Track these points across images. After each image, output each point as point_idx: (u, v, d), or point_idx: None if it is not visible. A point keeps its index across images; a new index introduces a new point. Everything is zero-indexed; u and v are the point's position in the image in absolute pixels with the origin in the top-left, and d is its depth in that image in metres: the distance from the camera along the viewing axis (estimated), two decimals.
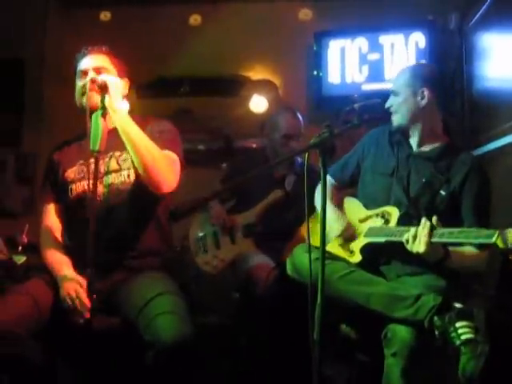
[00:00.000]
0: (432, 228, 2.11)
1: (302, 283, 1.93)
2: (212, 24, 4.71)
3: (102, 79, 2.26)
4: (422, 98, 2.45)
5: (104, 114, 2.21)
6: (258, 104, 4.42)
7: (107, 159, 2.46)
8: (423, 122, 2.49)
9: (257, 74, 4.68)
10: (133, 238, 2.45)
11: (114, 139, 2.42)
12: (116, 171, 2.45)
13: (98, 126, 2.14)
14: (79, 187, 2.47)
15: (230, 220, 3.50)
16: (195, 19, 4.80)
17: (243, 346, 3.25)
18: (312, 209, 2.58)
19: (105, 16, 4.93)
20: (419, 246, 2.12)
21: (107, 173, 2.45)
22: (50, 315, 2.27)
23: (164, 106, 4.12)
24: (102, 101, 2.22)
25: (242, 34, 4.62)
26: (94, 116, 2.18)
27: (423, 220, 2.14)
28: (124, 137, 2.30)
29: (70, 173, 2.50)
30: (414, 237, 2.14)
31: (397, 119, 2.51)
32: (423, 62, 4.09)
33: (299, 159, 3.56)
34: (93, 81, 2.27)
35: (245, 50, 4.65)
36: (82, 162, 2.50)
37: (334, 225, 2.54)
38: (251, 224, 3.48)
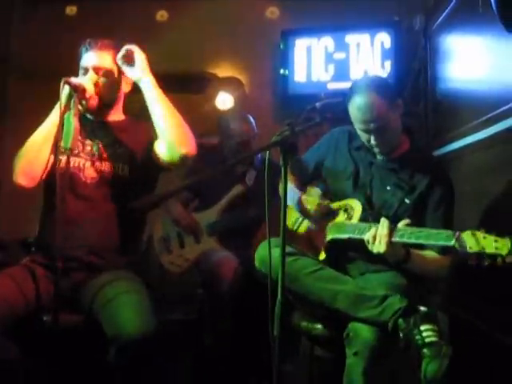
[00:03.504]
0: (391, 228, 2.14)
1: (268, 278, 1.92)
2: (179, 20, 4.69)
3: (75, 82, 2.26)
4: None
5: (74, 114, 2.24)
6: (225, 101, 4.42)
7: (102, 146, 2.47)
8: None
9: (223, 71, 4.67)
10: (108, 234, 2.43)
11: (116, 130, 2.50)
12: (110, 161, 2.45)
13: (70, 125, 2.22)
14: (69, 161, 2.38)
15: (193, 220, 3.50)
16: (162, 15, 4.78)
17: (207, 343, 3.25)
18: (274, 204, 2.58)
19: (71, 10, 4.87)
20: (379, 247, 2.15)
21: (101, 159, 2.45)
22: (15, 312, 2.19)
23: (129, 103, 4.07)
24: (72, 102, 2.23)
25: (209, 31, 4.60)
26: (66, 116, 2.20)
27: (382, 220, 2.17)
28: (154, 103, 2.39)
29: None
30: (374, 237, 2.17)
31: None
32: None
33: (259, 155, 3.58)
34: (66, 81, 2.23)
35: (211, 47, 4.64)
36: (79, 138, 2.46)
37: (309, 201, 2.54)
38: (214, 222, 3.48)
